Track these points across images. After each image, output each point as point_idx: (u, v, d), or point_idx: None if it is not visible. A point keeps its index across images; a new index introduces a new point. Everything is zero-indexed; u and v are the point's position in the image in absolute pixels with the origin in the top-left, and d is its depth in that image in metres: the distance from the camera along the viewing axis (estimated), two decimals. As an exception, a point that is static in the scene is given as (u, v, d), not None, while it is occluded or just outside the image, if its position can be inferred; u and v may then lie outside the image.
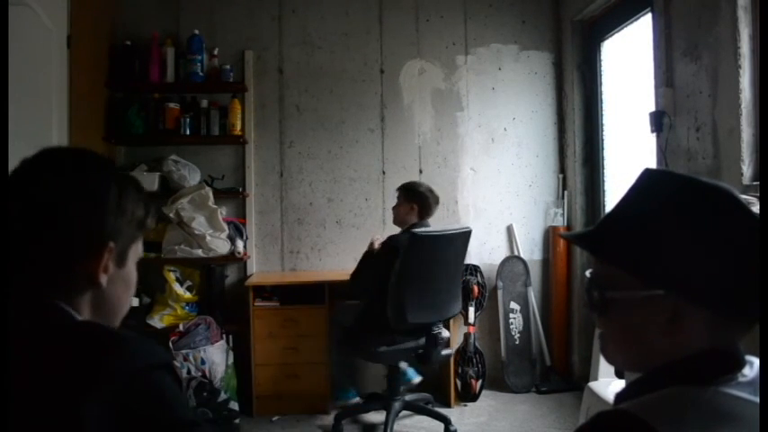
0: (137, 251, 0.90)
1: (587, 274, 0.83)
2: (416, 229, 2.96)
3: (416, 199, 3.14)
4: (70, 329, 0.77)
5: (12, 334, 0.75)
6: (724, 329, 0.76)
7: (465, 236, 3.08)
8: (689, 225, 0.74)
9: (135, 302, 3.21)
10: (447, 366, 3.55)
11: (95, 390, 0.69)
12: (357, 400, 3.41)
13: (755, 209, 0.76)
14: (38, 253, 0.81)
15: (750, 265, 0.72)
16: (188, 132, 3.56)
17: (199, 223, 3.43)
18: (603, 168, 3.73)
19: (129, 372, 0.72)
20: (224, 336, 3.34)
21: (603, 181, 3.73)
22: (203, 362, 3.16)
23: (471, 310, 3.68)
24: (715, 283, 0.73)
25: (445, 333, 3.09)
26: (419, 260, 2.90)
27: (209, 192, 3.50)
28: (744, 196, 0.78)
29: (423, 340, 3.01)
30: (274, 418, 3.31)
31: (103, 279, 0.83)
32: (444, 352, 3.46)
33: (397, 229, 3.18)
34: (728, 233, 0.73)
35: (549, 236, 3.96)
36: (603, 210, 3.74)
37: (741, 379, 0.73)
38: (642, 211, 0.79)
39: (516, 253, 3.93)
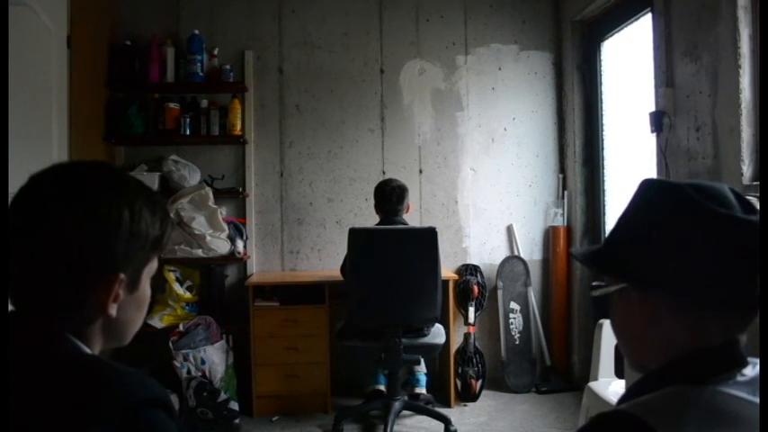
0: (150, 270, 0.86)
1: (593, 284, 0.94)
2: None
3: (375, 197, 3.28)
4: (67, 363, 0.75)
5: (13, 363, 0.73)
6: (711, 325, 0.77)
7: (420, 235, 2.99)
8: (654, 231, 0.81)
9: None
10: (447, 366, 3.56)
11: (89, 426, 0.68)
12: (383, 387, 3.39)
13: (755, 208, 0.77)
14: (43, 282, 0.78)
15: (714, 263, 0.75)
16: (188, 132, 3.56)
17: (199, 223, 3.43)
18: (603, 168, 3.73)
19: (123, 408, 0.70)
20: (224, 336, 3.34)
21: (603, 181, 3.73)
22: (203, 362, 3.16)
23: (471, 310, 3.68)
24: (675, 277, 0.77)
25: (421, 341, 3.04)
26: (362, 257, 2.93)
27: (209, 192, 3.50)
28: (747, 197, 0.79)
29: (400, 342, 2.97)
30: (274, 418, 3.31)
31: (113, 309, 0.80)
32: (417, 369, 3.47)
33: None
34: (676, 232, 0.78)
35: (549, 236, 3.96)
36: (604, 210, 3.73)
37: (740, 378, 0.74)
38: (624, 223, 0.87)
39: (516, 253, 3.93)
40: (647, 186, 0.85)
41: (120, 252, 0.79)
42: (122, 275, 0.80)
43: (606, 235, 0.91)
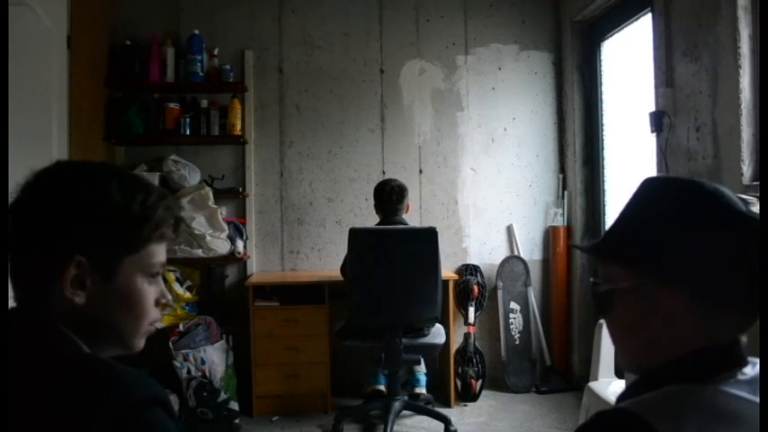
0: (140, 262, 0.81)
1: (592, 279, 0.89)
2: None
3: (375, 197, 3.28)
4: (66, 362, 0.74)
5: (12, 362, 0.73)
6: (714, 320, 0.76)
7: (420, 235, 2.99)
8: (666, 219, 0.79)
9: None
10: (447, 366, 3.56)
11: (86, 425, 0.67)
12: (383, 387, 3.39)
13: (755, 209, 0.77)
14: (18, 271, 0.79)
15: (732, 256, 0.75)
16: (188, 132, 3.56)
17: (199, 223, 3.43)
18: (603, 168, 3.73)
19: (121, 407, 0.69)
20: (224, 336, 3.34)
21: (603, 181, 3.73)
22: (203, 362, 3.16)
23: (471, 310, 3.68)
24: (690, 266, 0.76)
25: (420, 341, 3.04)
26: (362, 257, 2.92)
27: (209, 192, 3.50)
28: (743, 196, 0.80)
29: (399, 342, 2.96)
30: (274, 418, 3.31)
31: (78, 296, 0.77)
32: (417, 369, 3.46)
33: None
34: (703, 225, 0.77)
35: (549, 236, 3.96)
36: (604, 210, 3.73)
37: (741, 377, 0.74)
38: (629, 213, 0.85)
39: (516, 253, 3.93)
40: (664, 181, 0.85)
41: (78, 232, 0.76)
42: (80, 258, 0.76)
43: (615, 233, 0.87)
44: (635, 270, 0.80)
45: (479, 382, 3.58)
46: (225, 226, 3.51)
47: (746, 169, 2.30)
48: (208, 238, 3.43)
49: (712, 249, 0.75)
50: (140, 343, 0.85)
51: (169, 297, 0.87)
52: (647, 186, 0.85)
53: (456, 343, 3.66)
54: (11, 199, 0.80)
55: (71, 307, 0.77)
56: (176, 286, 3.43)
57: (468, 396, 3.57)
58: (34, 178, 0.80)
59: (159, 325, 3.19)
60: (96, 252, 0.77)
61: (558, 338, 3.87)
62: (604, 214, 3.73)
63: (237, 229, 3.64)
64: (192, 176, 3.60)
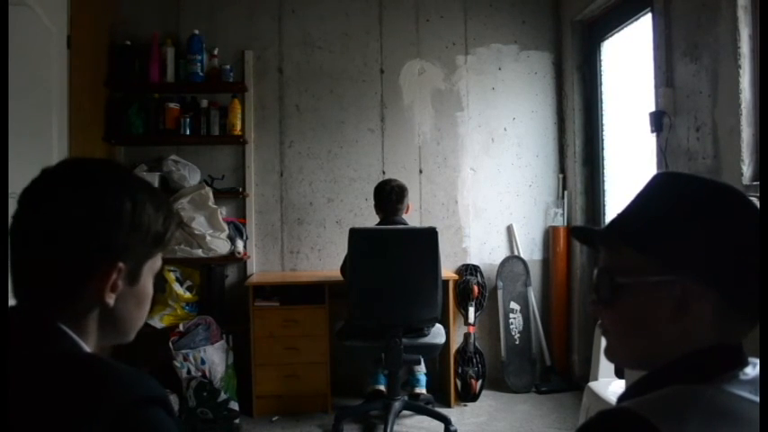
0: (153, 266, 0.88)
1: (596, 268, 0.85)
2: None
3: (375, 197, 3.28)
4: (66, 361, 0.75)
5: (12, 361, 0.73)
6: (729, 323, 0.76)
7: (420, 235, 3.00)
8: (703, 214, 0.77)
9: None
10: (447, 366, 3.56)
11: (86, 424, 0.68)
12: (383, 387, 3.39)
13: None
14: (43, 270, 0.79)
15: (755, 257, 0.75)
16: (188, 132, 3.56)
17: (199, 223, 3.43)
18: (603, 168, 3.73)
19: (121, 407, 0.70)
20: (224, 336, 3.34)
21: (603, 181, 3.73)
22: (203, 362, 3.16)
23: (471, 310, 3.68)
24: (725, 267, 0.75)
25: (420, 341, 3.04)
26: (362, 257, 2.92)
27: (209, 192, 3.50)
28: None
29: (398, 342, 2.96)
30: (274, 418, 3.31)
31: (111, 299, 0.81)
32: (417, 369, 3.46)
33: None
34: (739, 225, 0.77)
35: (549, 236, 3.96)
36: (604, 210, 3.73)
37: (742, 377, 0.74)
38: (655, 203, 0.82)
39: (516, 253, 3.93)
40: (662, 178, 0.84)
41: (121, 242, 0.81)
42: (121, 265, 0.81)
43: (631, 219, 0.83)
44: (665, 265, 0.76)
45: (479, 382, 3.58)
46: (225, 226, 3.51)
47: (746, 169, 2.30)
48: (208, 238, 3.43)
49: (747, 256, 0.75)
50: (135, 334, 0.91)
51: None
52: (663, 180, 0.84)
53: (456, 343, 3.66)
54: (13, 198, 0.80)
55: (99, 307, 0.82)
56: (176, 286, 3.42)
57: (468, 396, 3.57)
58: (66, 182, 0.81)
59: (159, 325, 3.16)
60: (131, 260, 0.83)
61: (558, 338, 3.87)
62: (604, 214, 3.72)
63: (237, 229, 3.64)
64: (192, 176, 3.60)
